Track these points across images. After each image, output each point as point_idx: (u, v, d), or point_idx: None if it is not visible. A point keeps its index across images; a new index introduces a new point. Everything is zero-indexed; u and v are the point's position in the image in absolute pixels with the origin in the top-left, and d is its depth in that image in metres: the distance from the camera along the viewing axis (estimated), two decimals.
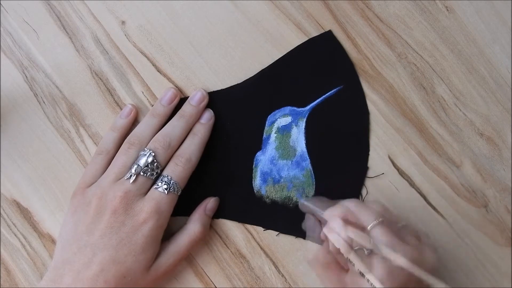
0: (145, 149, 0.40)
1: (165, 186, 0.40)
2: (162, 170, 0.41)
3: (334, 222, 0.36)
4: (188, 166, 0.41)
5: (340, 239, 0.34)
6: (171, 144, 0.41)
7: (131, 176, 0.39)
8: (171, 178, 0.40)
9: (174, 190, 0.40)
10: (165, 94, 0.44)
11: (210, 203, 0.44)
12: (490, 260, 0.43)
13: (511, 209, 0.44)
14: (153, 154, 0.40)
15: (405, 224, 0.38)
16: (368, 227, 0.35)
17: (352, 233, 0.35)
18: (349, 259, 0.33)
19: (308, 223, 0.39)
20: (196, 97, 0.44)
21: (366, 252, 0.33)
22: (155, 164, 0.40)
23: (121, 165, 0.40)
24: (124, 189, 0.39)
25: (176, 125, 0.42)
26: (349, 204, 0.37)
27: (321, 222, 0.38)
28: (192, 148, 0.42)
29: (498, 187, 0.44)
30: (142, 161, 0.40)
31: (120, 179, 0.40)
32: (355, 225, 0.35)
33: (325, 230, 0.36)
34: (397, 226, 0.37)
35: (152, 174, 0.40)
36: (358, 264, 0.33)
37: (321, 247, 0.37)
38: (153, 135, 0.42)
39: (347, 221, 0.35)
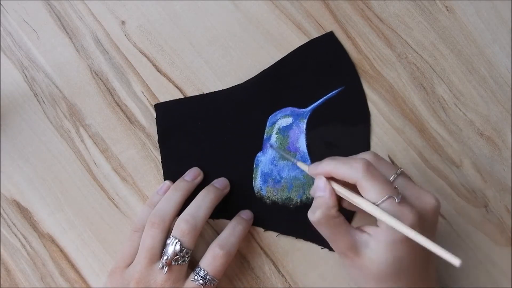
0: (171, 237, 0.39)
1: (201, 282, 0.39)
2: (192, 252, 0.40)
3: (319, 180, 0.37)
4: (227, 259, 0.40)
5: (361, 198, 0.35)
6: (197, 226, 0.39)
7: (163, 266, 0.39)
8: (207, 273, 0.39)
9: (210, 283, 0.39)
10: (189, 171, 0.44)
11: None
12: (490, 260, 0.43)
13: (511, 209, 0.44)
14: (179, 242, 0.38)
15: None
16: (391, 178, 0.36)
17: (339, 188, 0.36)
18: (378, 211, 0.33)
19: (317, 182, 0.37)
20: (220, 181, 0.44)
21: (397, 200, 0.34)
22: (184, 250, 0.39)
23: (150, 248, 0.39)
24: (160, 281, 0.39)
25: (201, 205, 0.41)
26: (366, 156, 0.37)
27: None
28: (232, 240, 0.41)
29: (498, 187, 0.44)
30: (170, 251, 0.38)
31: (154, 262, 0.39)
32: (340, 181, 0.36)
33: (334, 186, 0.36)
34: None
35: (183, 261, 0.39)
36: (387, 218, 0.33)
37: (323, 203, 0.36)
38: (176, 211, 0.41)
39: (331, 178, 0.36)
